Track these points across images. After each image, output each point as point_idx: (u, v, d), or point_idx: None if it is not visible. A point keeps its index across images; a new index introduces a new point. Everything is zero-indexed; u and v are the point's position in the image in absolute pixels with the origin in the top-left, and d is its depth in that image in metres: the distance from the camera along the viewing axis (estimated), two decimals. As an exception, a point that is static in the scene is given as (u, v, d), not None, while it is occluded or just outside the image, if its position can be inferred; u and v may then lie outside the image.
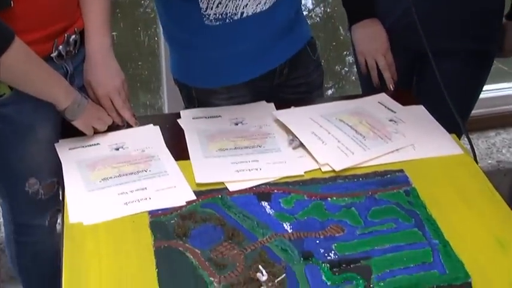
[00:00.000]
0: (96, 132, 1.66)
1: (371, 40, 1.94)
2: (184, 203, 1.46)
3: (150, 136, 1.69)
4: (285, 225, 1.41)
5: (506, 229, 1.40)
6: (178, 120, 1.74)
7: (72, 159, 1.59)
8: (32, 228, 1.82)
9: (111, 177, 1.53)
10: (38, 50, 1.51)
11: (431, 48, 1.69)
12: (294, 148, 1.63)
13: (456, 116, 1.64)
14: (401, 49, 1.95)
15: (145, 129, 1.72)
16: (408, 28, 1.80)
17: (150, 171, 1.55)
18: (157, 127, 1.72)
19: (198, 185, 1.51)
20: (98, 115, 1.65)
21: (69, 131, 1.64)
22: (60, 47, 1.61)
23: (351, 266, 1.31)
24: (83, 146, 1.64)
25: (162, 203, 1.46)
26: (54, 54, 1.60)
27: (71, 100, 1.57)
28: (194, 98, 1.84)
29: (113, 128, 1.69)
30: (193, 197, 1.48)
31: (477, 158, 1.63)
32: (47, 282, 1.96)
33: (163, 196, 1.48)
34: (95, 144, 1.65)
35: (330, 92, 3.31)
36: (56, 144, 1.64)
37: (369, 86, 2.02)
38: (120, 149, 1.63)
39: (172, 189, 1.50)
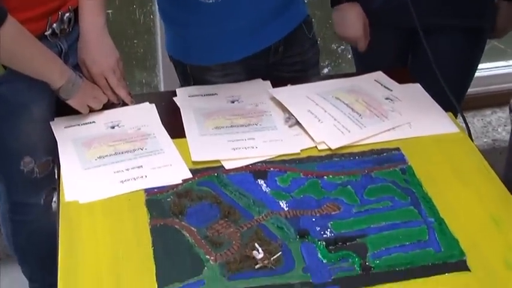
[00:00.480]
0: (92, 110, 1.65)
1: (346, 26, 1.93)
2: (181, 181, 1.46)
3: (146, 114, 1.68)
4: (281, 203, 1.41)
5: (502, 207, 1.40)
6: (174, 98, 1.74)
7: (68, 137, 1.59)
8: (28, 207, 1.82)
9: (107, 156, 1.53)
10: (32, 28, 1.50)
11: (423, 26, 1.69)
12: (290, 126, 1.63)
13: (449, 94, 1.63)
14: (392, 29, 1.95)
15: (141, 107, 1.71)
16: (399, 7, 1.79)
17: (146, 149, 1.55)
18: (153, 105, 1.71)
19: (194, 163, 1.51)
20: (93, 94, 1.64)
21: (64, 109, 1.64)
22: (54, 25, 1.60)
23: (347, 243, 1.32)
24: (79, 124, 1.63)
25: (158, 181, 1.45)
26: (48, 33, 1.59)
27: (65, 79, 1.56)
28: (189, 75, 1.83)
29: (108, 106, 1.69)
30: (190, 175, 1.48)
31: (473, 137, 1.63)
32: (43, 260, 1.96)
33: (159, 174, 1.48)
34: (90, 123, 1.64)
35: (326, 70, 3.29)
36: (51, 123, 1.63)
37: (363, 64, 2.01)
38: (116, 127, 1.63)
39: (168, 167, 1.50)
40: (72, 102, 1.60)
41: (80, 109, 1.62)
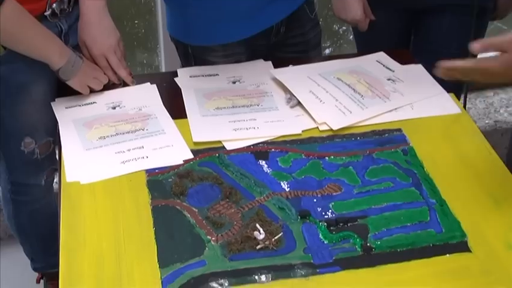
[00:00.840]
0: (92, 91, 1.65)
1: (345, 9, 1.92)
2: (182, 162, 1.46)
3: (147, 95, 1.68)
4: (282, 184, 1.41)
5: (503, 189, 1.40)
6: (176, 79, 1.73)
7: (69, 118, 1.59)
8: (29, 188, 1.82)
9: (108, 136, 1.52)
10: (31, 8, 1.49)
11: (423, 6, 1.68)
12: (291, 107, 1.63)
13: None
14: (394, 10, 1.94)
15: (142, 87, 1.71)
16: None
17: (147, 130, 1.55)
18: (154, 85, 1.71)
19: (195, 143, 1.51)
20: (94, 74, 1.63)
21: (65, 90, 1.63)
22: (54, 5, 1.59)
23: (348, 224, 1.32)
24: (80, 105, 1.63)
25: (159, 162, 1.45)
26: (47, 13, 1.58)
27: (65, 60, 1.55)
28: (190, 55, 1.83)
29: (109, 86, 1.68)
30: (191, 156, 1.47)
31: (475, 118, 1.63)
32: (45, 240, 1.97)
33: (160, 155, 1.47)
34: (91, 103, 1.64)
35: (327, 51, 3.29)
36: (52, 103, 1.63)
37: (365, 46, 2.00)
38: (117, 108, 1.62)
39: (169, 148, 1.49)
40: (72, 83, 1.60)
41: (80, 90, 1.62)
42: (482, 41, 1.25)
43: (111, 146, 1.50)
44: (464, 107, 1.61)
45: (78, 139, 1.52)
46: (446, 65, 1.26)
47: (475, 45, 1.24)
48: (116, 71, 1.66)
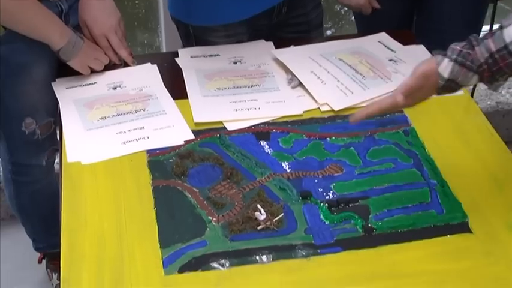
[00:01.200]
0: (93, 71, 1.64)
1: None
2: (183, 142, 1.46)
3: (148, 75, 1.67)
4: (283, 164, 1.41)
5: (504, 169, 1.40)
6: (177, 59, 1.73)
7: (70, 98, 1.58)
8: (30, 168, 1.82)
9: (108, 117, 1.52)
10: None
11: None
12: (293, 87, 1.62)
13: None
14: None
15: (143, 68, 1.70)
16: None
17: (148, 110, 1.55)
18: (155, 66, 1.70)
19: (197, 124, 1.50)
20: (94, 55, 1.63)
21: (66, 70, 1.63)
22: None
23: (349, 205, 1.32)
24: (80, 85, 1.62)
25: (160, 142, 1.45)
26: None
27: (66, 40, 1.55)
28: (191, 35, 1.82)
29: (110, 67, 1.68)
30: (192, 136, 1.47)
31: (477, 99, 1.62)
32: (46, 220, 1.97)
33: (161, 135, 1.47)
34: (92, 84, 1.63)
35: (329, 32, 3.27)
36: (52, 84, 1.63)
37: (366, 26, 1.99)
38: (117, 88, 1.62)
39: (170, 128, 1.49)
40: (72, 64, 1.59)
41: (81, 70, 1.61)
42: (401, 91, 1.26)
43: (112, 126, 1.50)
44: (473, 90, 1.61)
45: (79, 119, 1.52)
46: (358, 117, 1.30)
47: (397, 98, 1.26)
48: (117, 51, 1.66)
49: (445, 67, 1.21)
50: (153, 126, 1.50)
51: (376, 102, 1.30)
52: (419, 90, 1.25)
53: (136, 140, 1.46)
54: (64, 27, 1.57)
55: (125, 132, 1.48)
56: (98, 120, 1.51)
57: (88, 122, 1.51)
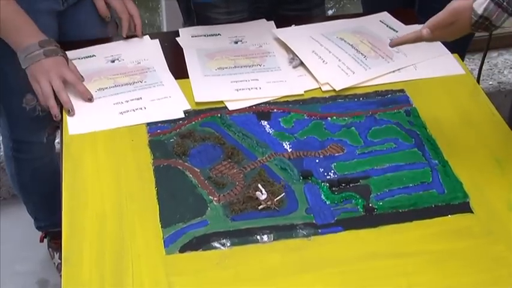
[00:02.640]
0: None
1: None
2: (181, 114, 1.46)
3: (146, 48, 1.68)
4: (284, 144, 1.41)
5: (506, 150, 1.40)
6: (177, 39, 1.72)
7: None
8: (31, 145, 1.82)
9: (106, 88, 1.54)
10: None
11: None
12: (294, 67, 1.62)
13: None
14: None
15: (142, 41, 1.71)
16: None
17: (145, 82, 1.56)
18: (155, 40, 1.71)
19: (198, 103, 1.50)
20: (58, 72, 1.48)
21: (68, 46, 1.62)
22: None
23: (350, 185, 1.32)
24: (79, 58, 1.62)
25: (157, 114, 1.46)
26: None
27: (23, 47, 1.48)
28: (192, 11, 1.81)
29: (109, 39, 1.70)
30: (189, 107, 1.48)
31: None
32: (47, 199, 1.97)
33: (158, 106, 1.49)
34: (90, 56, 1.64)
35: (330, 12, 3.26)
36: None
37: (370, 6, 1.98)
38: (115, 61, 1.63)
39: (167, 99, 1.50)
40: (27, 72, 1.51)
41: (31, 82, 1.50)
42: (428, 25, 1.31)
43: (110, 97, 1.51)
44: (481, 67, 1.60)
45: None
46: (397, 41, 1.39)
47: (422, 31, 1.31)
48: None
49: (481, 3, 1.23)
50: (150, 97, 1.51)
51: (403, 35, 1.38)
52: (449, 26, 1.27)
53: (134, 110, 1.47)
54: (31, 33, 1.49)
55: (122, 102, 1.49)
56: (96, 91, 1.52)
57: None
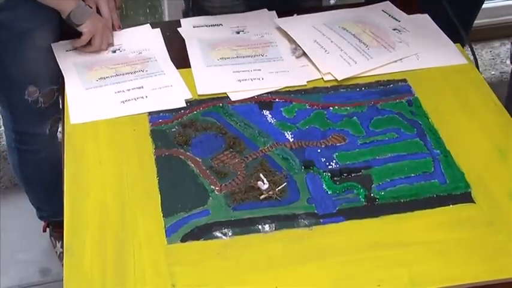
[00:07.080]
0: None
1: None
2: (182, 104, 1.46)
3: (147, 38, 1.69)
4: (286, 134, 1.41)
5: (508, 140, 1.40)
6: (179, 29, 1.72)
7: (69, 60, 1.59)
8: (33, 137, 1.82)
9: (107, 77, 1.54)
10: None
11: None
12: (297, 57, 1.61)
13: (457, 24, 1.60)
14: None
15: (143, 30, 1.71)
16: None
17: (146, 71, 1.56)
18: (156, 30, 1.70)
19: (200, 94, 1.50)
20: (103, 30, 1.62)
21: (68, 37, 1.62)
22: None
23: (352, 175, 1.32)
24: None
25: (159, 102, 1.47)
26: None
27: (76, 4, 1.55)
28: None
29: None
30: (190, 96, 1.49)
31: (481, 69, 1.61)
32: (50, 189, 1.97)
33: (159, 95, 1.49)
34: None
35: (332, 1, 3.24)
36: (52, 45, 1.63)
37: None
38: (117, 52, 1.63)
39: (168, 88, 1.51)
40: (83, 28, 1.58)
41: (88, 35, 1.60)
42: None
43: (111, 86, 1.52)
44: (475, 58, 1.60)
45: (78, 80, 1.54)
46: None
47: None
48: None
49: None
50: (152, 86, 1.51)
51: None
52: None
53: (135, 99, 1.47)
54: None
55: (123, 91, 1.50)
56: (97, 80, 1.53)
57: (87, 81, 1.52)
